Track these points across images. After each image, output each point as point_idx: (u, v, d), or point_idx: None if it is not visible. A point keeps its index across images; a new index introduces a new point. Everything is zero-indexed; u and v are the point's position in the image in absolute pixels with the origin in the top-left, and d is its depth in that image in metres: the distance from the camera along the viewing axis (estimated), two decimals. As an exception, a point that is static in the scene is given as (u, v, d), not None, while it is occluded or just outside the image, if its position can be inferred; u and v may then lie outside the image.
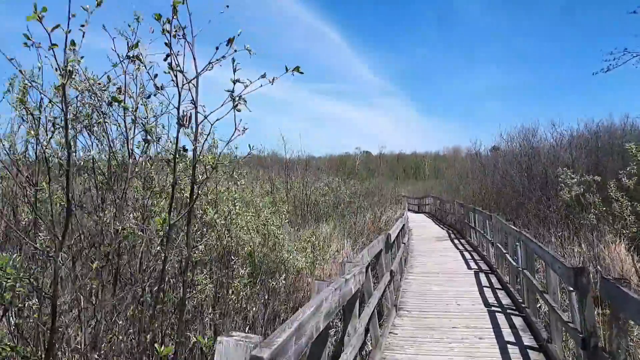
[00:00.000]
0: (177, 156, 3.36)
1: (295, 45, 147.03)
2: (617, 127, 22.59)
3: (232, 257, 5.06)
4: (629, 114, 23.19)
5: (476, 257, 13.93)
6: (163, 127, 4.19)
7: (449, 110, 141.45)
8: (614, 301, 3.92)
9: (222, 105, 3.14)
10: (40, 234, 4.29)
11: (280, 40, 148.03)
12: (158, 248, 3.96)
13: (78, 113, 3.79)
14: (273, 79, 3.13)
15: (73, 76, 3.23)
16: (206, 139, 3.48)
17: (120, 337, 3.83)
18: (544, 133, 23.83)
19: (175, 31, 3.12)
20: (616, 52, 13.88)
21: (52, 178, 3.75)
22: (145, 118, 3.76)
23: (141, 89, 3.78)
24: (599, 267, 9.61)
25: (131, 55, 3.38)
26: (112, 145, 4.11)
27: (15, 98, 3.98)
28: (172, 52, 3.11)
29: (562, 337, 6.11)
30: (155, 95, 3.16)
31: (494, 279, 10.67)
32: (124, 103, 3.53)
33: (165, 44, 3.10)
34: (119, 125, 3.94)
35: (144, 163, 4.17)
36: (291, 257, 6.12)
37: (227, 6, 3.23)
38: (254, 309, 5.70)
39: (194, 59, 3.21)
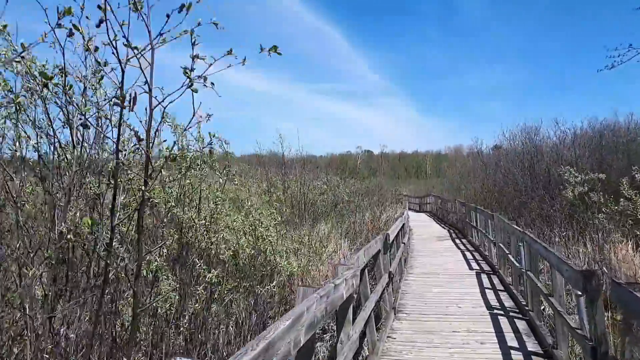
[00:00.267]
0: (121, 144, 2.97)
1: (296, 44, 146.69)
2: (621, 126, 22.27)
3: (197, 260, 4.61)
4: (633, 113, 22.84)
5: (478, 257, 13.63)
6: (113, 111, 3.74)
7: (450, 110, 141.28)
8: (626, 307, 3.63)
9: (183, 87, 2.79)
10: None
11: (282, 39, 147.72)
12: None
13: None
14: (244, 60, 2.80)
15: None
16: (159, 126, 3.01)
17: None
18: (546, 131, 23.55)
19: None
20: (621, 48, 13.57)
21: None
22: (92, 102, 3.38)
23: (92, 71, 3.38)
24: (604, 268, 9.31)
25: (63, 25, 2.79)
26: (54, 134, 3.68)
27: None
28: (106, 16, 2.64)
29: (569, 342, 5.83)
30: (98, 73, 2.79)
31: (496, 280, 10.38)
32: (63, 83, 3.11)
33: (98, 6, 2.62)
34: (62, 110, 3.50)
35: (96, 154, 3.81)
36: (283, 260, 5.74)
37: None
38: (239, 318, 5.30)
39: (149, 32, 2.79)
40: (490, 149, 35.26)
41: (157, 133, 2.88)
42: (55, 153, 3.67)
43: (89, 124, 3.19)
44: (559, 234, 11.83)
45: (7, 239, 3.73)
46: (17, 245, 3.42)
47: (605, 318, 4.84)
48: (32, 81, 3.22)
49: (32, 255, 3.47)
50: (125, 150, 3.19)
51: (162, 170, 3.32)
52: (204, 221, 4.51)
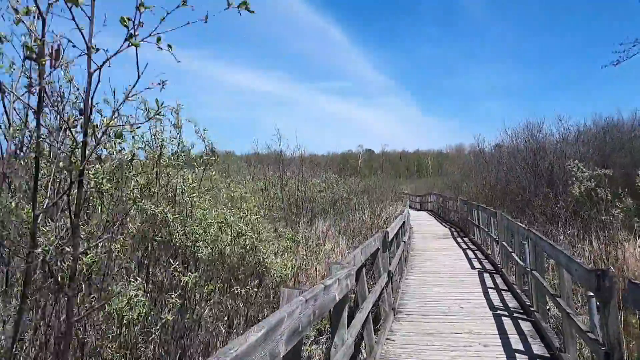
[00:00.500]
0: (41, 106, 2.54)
1: (297, 43, 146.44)
2: (625, 123, 21.95)
3: (171, 261, 4.16)
4: (637, 109, 22.51)
5: (480, 255, 13.33)
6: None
7: (451, 109, 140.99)
8: (644, 310, 3.33)
9: (125, 43, 2.42)
10: None
11: (285, 38, 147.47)
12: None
13: None
14: (206, 17, 2.46)
15: None
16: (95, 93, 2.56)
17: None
18: (549, 128, 23.17)
19: None
20: (626, 42, 13.24)
21: None
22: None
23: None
24: (611, 267, 9.00)
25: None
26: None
27: None
28: None
29: (577, 345, 5.54)
30: (17, 24, 2.39)
31: (499, 280, 10.08)
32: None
33: None
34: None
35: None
36: (270, 259, 5.37)
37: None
38: (218, 326, 4.86)
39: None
40: (492, 147, 34.99)
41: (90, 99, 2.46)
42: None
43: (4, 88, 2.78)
44: (564, 231, 11.52)
45: None
46: None
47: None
48: None
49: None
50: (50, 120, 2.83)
51: (105, 146, 2.99)
52: (177, 215, 4.13)
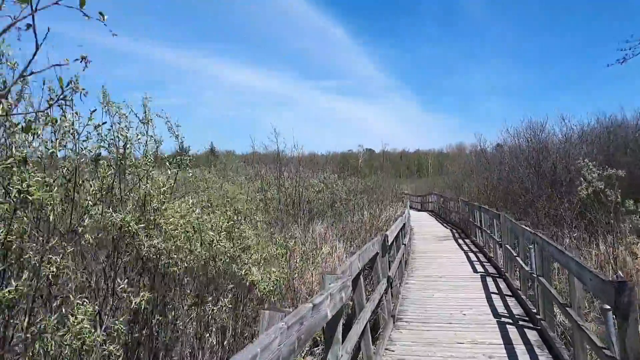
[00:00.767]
0: None
1: (300, 42, 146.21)
2: (629, 122, 21.59)
3: (132, 276, 3.62)
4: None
5: (482, 258, 12.99)
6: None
7: (452, 108, 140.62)
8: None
9: None
10: None
11: (286, 37, 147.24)
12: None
13: None
14: None
15: None
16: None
17: None
18: (552, 128, 22.78)
19: None
20: (632, 40, 12.88)
21: None
22: None
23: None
24: (620, 272, 8.66)
25: None
26: None
27: None
28: None
29: (588, 358, 5.20)
30: None
31: (502, 284, 9.73)
32: None
33: None
34: None
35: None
36: (245, 271, 4.86)
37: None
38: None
39: None
40: (493, 147, 34.60)
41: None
42: None
43: None
44: (570, 234, 11.18)
45: None
46: None
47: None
48: None
49: None
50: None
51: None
52: (143, 224, 3.69)
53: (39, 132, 3.12)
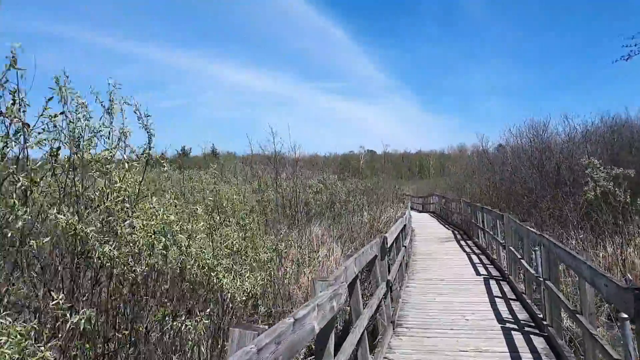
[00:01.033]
0: None
1: (300, 42, 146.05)
2: (633, 121, 21.25)
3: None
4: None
5: (485, 260, 12.65)
6: None
7: (451, 108, 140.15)
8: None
9: None
10: None
11: (286, 37, 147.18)
12: None
13: None
14: None
15: None
16: None
17: None
18: (555, 127, 22.43)
19: None
20: (638, 36, 12.53)
21: None
22: None
23: None
24: (629, 275, 8.32)
25: None
26: None
27: None
28: None
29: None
30: None
31: (506, 288, 9.39)
32: None
33: None
34: None
35: None
36: (216, 279, 4.33)
37: None
38: None
39: None
40: (495, 148, 34.23)
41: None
42: None
43: None
44: (576, 236, 10.83)
45: None
46: None
47: None
48: None
49: None
50: None
51: None
52: (95, 227, 3.26)
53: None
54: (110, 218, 3.27)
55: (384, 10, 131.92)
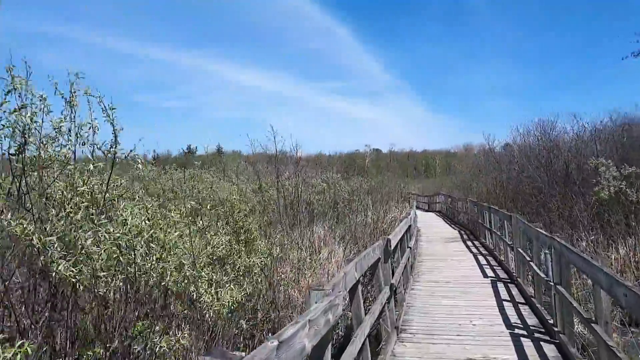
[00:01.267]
0: None
1: (304, 42, 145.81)
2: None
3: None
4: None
5: (492, 262, 12.33)
6: None
7: (453, 108, 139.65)
8: None
9: None
10: None
11: (291, 38, 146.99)
12: None
13: None
14: None
15: None
16: None
17: None
18: (563, 126, 22.03)
19: None
20: (648, 32, 12.19)
21: None
22: None
23: None
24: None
25: None
26: None
27: None
28: None
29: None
30: None
31: (515, 291, 9.10)
32: None
33: None
34: None
35: None
36: (195, 291, 3.92)
37: None
38: None
39: None
40: (501, 147, 33.80)
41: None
42: None
43: None
44: (587, 237, 10.50)
45: None
46: None
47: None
48: None
49: None
50: None
51: None
52: (50, 236, 2.94)
53: None
54: (71, 226, 3.00)
55: (387, 10, 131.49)
